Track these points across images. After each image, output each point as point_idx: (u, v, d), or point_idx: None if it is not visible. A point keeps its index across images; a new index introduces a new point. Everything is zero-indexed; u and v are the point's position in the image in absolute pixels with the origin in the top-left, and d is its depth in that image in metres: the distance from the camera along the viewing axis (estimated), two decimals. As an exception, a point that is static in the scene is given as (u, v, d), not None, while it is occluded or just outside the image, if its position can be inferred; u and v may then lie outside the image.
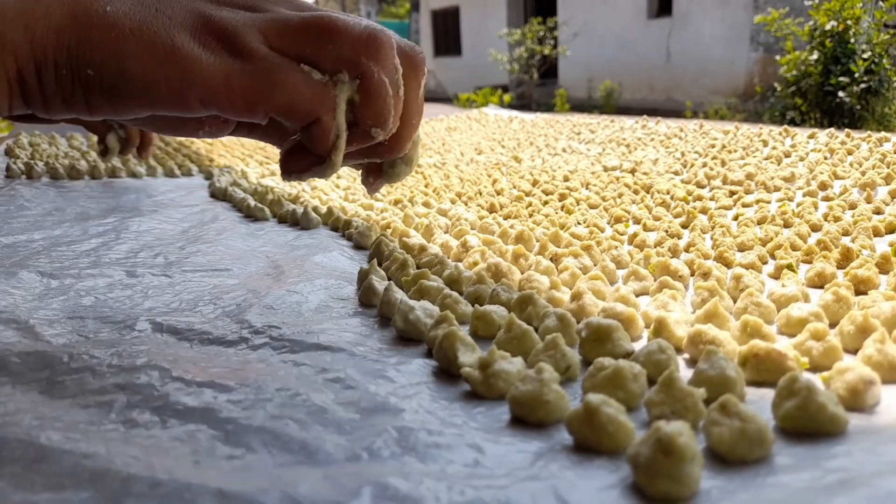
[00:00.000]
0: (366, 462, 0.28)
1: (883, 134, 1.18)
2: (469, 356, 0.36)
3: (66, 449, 0.28)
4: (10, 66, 0.34)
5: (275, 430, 0.30)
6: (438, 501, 0.24)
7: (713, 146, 1.24)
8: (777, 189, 0.87)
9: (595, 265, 0.56)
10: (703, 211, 0.76)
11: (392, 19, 15.86)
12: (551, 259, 0.57)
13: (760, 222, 0.69)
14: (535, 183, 0.97)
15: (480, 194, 0.89)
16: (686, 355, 0.38)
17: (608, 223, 0.74)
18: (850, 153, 1.08)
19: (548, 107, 7.10)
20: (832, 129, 1.28)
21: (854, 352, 0.37)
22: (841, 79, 4.47)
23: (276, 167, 1.21)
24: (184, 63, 0.35)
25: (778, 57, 5.04)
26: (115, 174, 1.08)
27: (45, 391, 0.34)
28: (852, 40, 4.55)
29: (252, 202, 0.82)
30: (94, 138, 1.29)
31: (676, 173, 1.02)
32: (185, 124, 0.43)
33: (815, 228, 0.66)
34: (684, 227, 0.71)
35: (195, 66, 0.35)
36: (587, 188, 0.92)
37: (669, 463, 0.24)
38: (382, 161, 0.41)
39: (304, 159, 0.38)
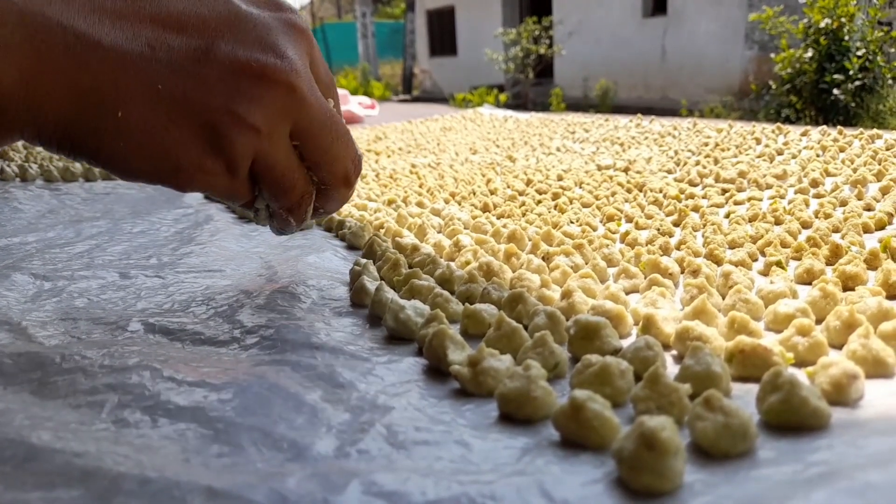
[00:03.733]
0: (354, 459, 0.28)
1: (875, 131, 1.18)
2: (459, 354, 0.37)
3: (57, 448, 0.28)
4: (14, 135, 0.34)
5: (264, 429, 0.30)
6: (425, 496, 0.25)
7: (706, 144, 1.24)
8: (769, 186, 0.87)
9: (586, 263, 0.56)
10: (696, 209, 0.76)
11: (387, 19, 15.87)
12: (543, 258, 0.58)
13: (752, 220, 0.69)
14: (528, 182, 0.97)
15: (474, 194, 0.89)
16: (674, 352, 0.38)
17: (601, 222, 0.74)
18: (842, 150, 1.08)
19: (544, 106, 7.11)
20: (824, 127, 1.29)
21: (840, 347, 0.37)
22: (836, 76, 4.49)
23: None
24: (186, 179, 0.38)
25: (773, 55, 5.06)
26: (109, 176, 1.09)
27: (36, 392, 0.34)
28: (847, 38, 4.57)
29: (246, 203, 0.82)
30: None
31: (669, 172, 1.03)
32: None
33: (805, 225, 0.67)
34: (676, 225, 0.71)
35: (195, 183, 0.39)
36: (580, 187, 0.93)
37: (653, 457, 0.25)
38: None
39: (275, 218, 0.47)
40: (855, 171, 0.89)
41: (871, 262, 0.52)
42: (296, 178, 0.43)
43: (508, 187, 0.93)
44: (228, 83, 0.37)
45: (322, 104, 0.41)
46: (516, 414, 0.31)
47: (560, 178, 0.99)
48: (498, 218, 0.76)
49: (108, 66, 0.34)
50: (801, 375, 0.34)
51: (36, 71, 0.32)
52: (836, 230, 0.63)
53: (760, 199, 0.79)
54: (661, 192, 0.86)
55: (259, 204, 0.45)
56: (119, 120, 0.34)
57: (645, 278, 0.51)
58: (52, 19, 0.32)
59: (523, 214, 0.77)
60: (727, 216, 0.73)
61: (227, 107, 0.37)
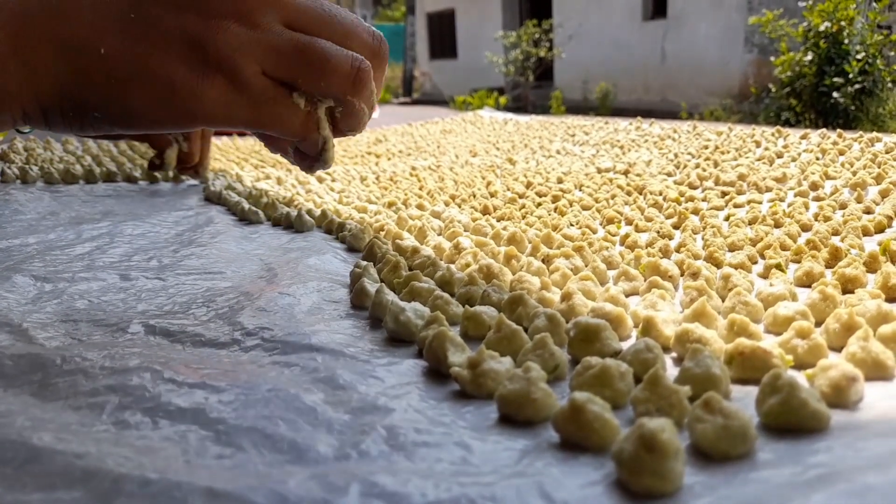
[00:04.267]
0: (354, 461, 0.28)
1: (874, 134, 1.18)
2: (459, 356, 0.37)
3: (58, 449, 0.28)
4: (15, 110, 0.36)
5: (265, 430, 0.30)
6: (425, 498, 0.25)
7: (706, 147, 1.25)
8: (769, 189, 0.87)
9: (586, 266, 0.56)
10: (695, 212, 0.76)
11: (388, 22, 15.88)
12: (543, 260, 0.58)
13: (751, 222, 0.69)
14: (528, 185, 0.97)
15: (474, 196, 0.89)
16: (674, 354, 0.39)
17: (601, 224, 0.74)
18: (841, 153, 1.08)
19: (543, 109, 7.11)
20: (824, 130, 1.29)
21: (839, 349, 0.37)
22: (835, 79, 4.49)
23: (271, 170, 1.21)
24: (186, 100, 0.37)
25: (772, 58, 5.06)
26: (110, 178, 1.09)
27: (37, 393, 0.35)
28: (846, 41, 4.58)
29: (246, 205, 0.82)
30: (143, 148, 1.31)
31: (669, 174, 1.03)
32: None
33: (805, 228, 0.67)
34: (676, 227, 0.72)
35: (197, 102, 0.37)
36: (580, 190, 0.93)
37: (652, 459, 0.25)
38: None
39: (307, 159, 0.44)
40: (854, 174, 0.89)
41: (871, 265, 0.52)
42: (320, 49, 0.38)
43: (508, 190, 0.94)
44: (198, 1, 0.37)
45: (299, 42, 0.39)
46: (516, 416, 0.31)
47: (560, 181, 0.99)
48: (498, 220, 0.76)
49: (79, 9, 0.35)
50: (800, 378, 0.34)
51: (20, 30, 0.35)
52: (836, 233, 0.63)
53: (760, 202, 0.80)
54: (660, 194, 0.86)
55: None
56: (103, 57, 0.35)
57: (645, 281, 0.51)
58: None
59: (523, 217, 0.77)
60: (727, 219, 0.73)
61: (199, 17, 0.36)
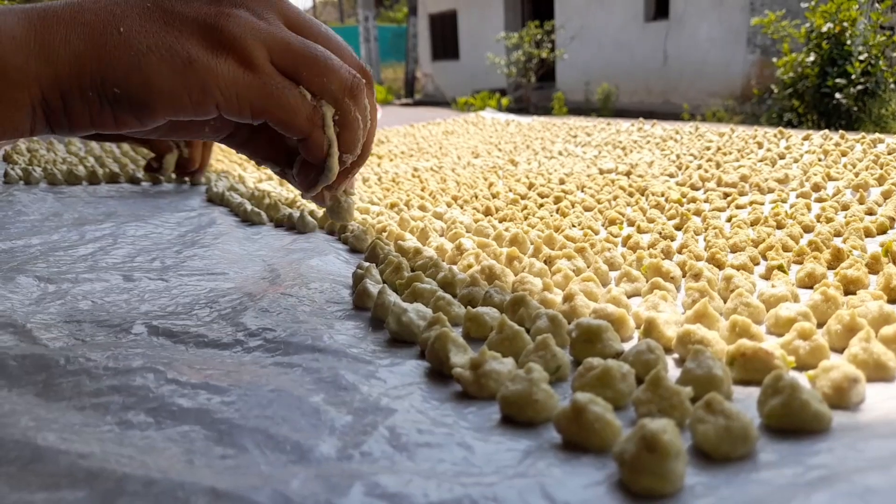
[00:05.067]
0: (357, 461, 0.28)
1: (877, 135, 1.18)
2: (461, 357, 0.37)
3: (62, 449, 0.28)
4: (34, 94, 0.37)
5: (268, 431, 0.30)
6: (427, 498, 0.25)
7: (708, 148, 1.25)
8: (771, 191, 0.87)
9: (588, 267, 0.56)
10: (697, 213, 0.76)
11: (390, 23, 15.90)
12: (545, 261, 0.58)
13: (753, 224, 0.69)
14: (530, 186, 0.97)
15: (476, 198, 0.89)
16: (675, 355, 0.39)
17: (602, 225, 0.74)
18: (843, 154, 1.08)
19: (545, 110, 7.11)
20: (826, 131, 1.29)
21: (841, 351, 0.37)
22: (837, 80, 4.48)
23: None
24: (202, 73, 0.38)
25: (775, 59, 5.06)
26: (113, 179, 1.09)
27: (41, 393, 0.35)
28: (849, 42, 4.57)
29: (249, 206, 0.82)
30: (145, 150, 1.31)
31: (671, 176, 1.03)
32: (192, 126, 0.46)
33: (807, 229, 0.67)
34: (678, 228, 0.72)
35: (212, 76, 0.39)
36: (582, 191, 0.93)
37: (654, 459, 0.25)
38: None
39: (310, 172, 0.45)
40: (857, 175, 0.89)
41: (873, 267, 0.52)
42: (322, 49, 0.42)
43: (510, 191, 0.94)
44: None
45: (299, 12, 0.43)
46: (518, 416, 0.31)
47: (562, 182, 0.99)
48: (500, 221, 0.76)
49: (97, 0, 0.38)
50: (802, 379, 0.34)
51: (41, 19, 0.37)
52: (838, 234, 0.63)
53: (762, 203, 0.80)
54: (662, 195, 0.86)
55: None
56: (122, 35, 0.37)
57: (647, 282, 0.51)
58: None
59: (525, 218, 0.77)
60: (729, 220, 0.73)
61: (211, 5, 0.40)
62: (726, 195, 0.86)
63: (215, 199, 0.93)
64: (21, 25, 0.36)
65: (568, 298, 0.46)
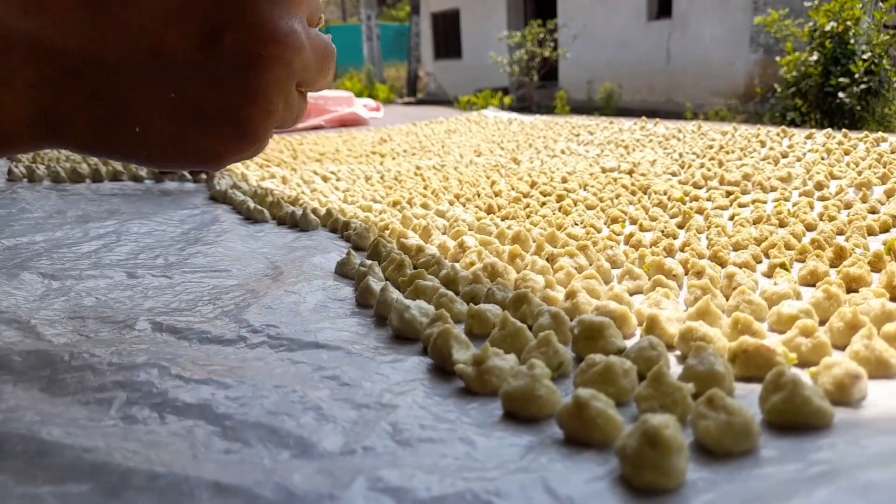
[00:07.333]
0: (360, 456, 0.28)
1: (880, 134, 1.18)
2: (463, 353, 0.37)
3: (67, 444, 0.28)
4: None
5: (271, 426, 0.31)
6: (429, 492, 0.25)
7: (711, 147, 1.25)
8: (773, 189, 0.87)
9: (590, 265, 0.56)
10: (700, 211, 0.76)
11: (392, 22, 15.89)
12: (547, 259, 0.58)
13: (756, 222, 0.69)
14: (533, 184, 0.97)
15: (479, 196, 0.89)
16: (677, 352, 0.39)
17: (605, 224, 0.75)
18: (846, 153, 1.08)
19: (548, 109, 7.11)
20: (829, 130, 1.29)
21: (843, 348, 0.37)
22: (841, 80, 4.47)
23: (276, 170, 1.21)
24: (215, 166, 0.37)
25: (778, 58, 5.04)
26: (116, 177, 1.09)
27: (46, 389, 0.35)
28: (852, 41, 4.56)
29: (252, 204, 0.83)
30: None
31: (674, 174, 1.03)
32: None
33: (810, 228, 0.67)
34: (680, 227, 0.72)
35: (226, 160, 0.37)
36: (585, 189, 0.93)
37: (655, 455, 0.25)
38: None
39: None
40: (860, 174, 0.89)
41: (875, 265, 0.52)
42: (332, 50, 0.39)
43: (513, 189, 0.94)
44: (240, 77, 0.34)
45: (319, 47, 0.38)
46: (520, 412, 0.31)
47: (564, 181, 0.99)
48: (502, 219, 0.77)
49: (117, 88, 0.33)
50: (804, 375, 0.34)
51: (51, 102, 0.32)
52: (841, 232, 0.63)
53: (765, 202, 0.80)
54: (665, 194, 0.86)
55: None
56: (137, 134, 0.34)
57: (649, 279, 0.51)
58: (55, 42, 0.31)
59: (528, 216, 0.77)
60: (731, 218, 0.73)
61: (240, 95, 0.35)
62: (729, 193, 0.86)
63: (218, 197, 0.93)
64: (31, 99, 0.33)
65: (570, 296, 0.46)
